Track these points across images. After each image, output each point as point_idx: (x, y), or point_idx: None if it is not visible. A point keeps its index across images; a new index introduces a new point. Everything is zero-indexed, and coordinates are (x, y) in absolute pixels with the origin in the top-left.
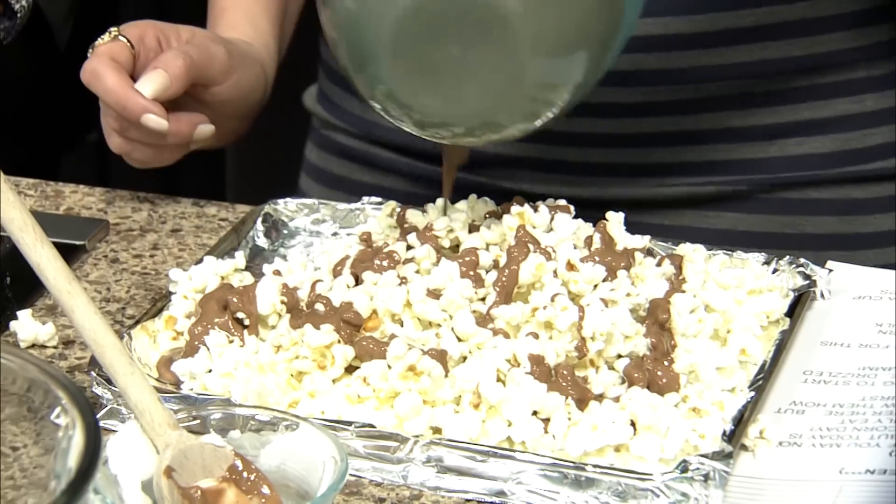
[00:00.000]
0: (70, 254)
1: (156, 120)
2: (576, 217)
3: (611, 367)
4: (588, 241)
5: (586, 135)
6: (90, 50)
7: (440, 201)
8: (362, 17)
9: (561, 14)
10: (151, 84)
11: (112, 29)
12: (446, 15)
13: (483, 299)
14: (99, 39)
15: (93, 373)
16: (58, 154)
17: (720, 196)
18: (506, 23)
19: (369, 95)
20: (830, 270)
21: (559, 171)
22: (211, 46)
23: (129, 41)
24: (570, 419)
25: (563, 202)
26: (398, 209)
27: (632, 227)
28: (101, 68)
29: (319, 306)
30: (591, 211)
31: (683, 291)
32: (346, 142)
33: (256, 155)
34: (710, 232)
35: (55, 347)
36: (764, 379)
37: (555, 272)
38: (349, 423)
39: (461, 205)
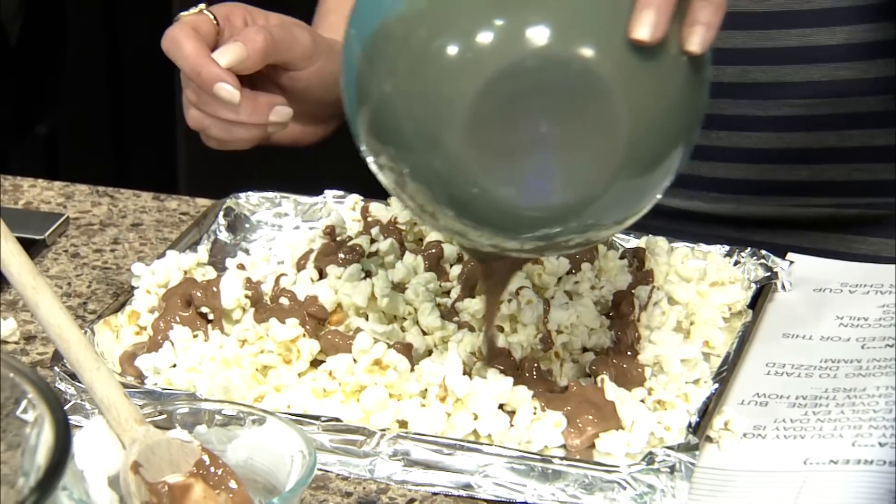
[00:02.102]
0: (29, 248)
1: (228, 90)
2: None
3: (575, 360)
4: None
5: (725, 149)
6: (175, 19)
7: None
8: (415, 99)
9: (657, 82)
10: (228, 55)
11: (201, 4)
12: (534, 86)
13: (448, 292)
14: (185, 12)
15: (56, 368)
16: (6, 147)
17: (864, 219)
18: (602, 89)
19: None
20: (791, 262)
21: (696, 187)
22: (295, 30)
23: (214, 17)
24: (535, 414)
25: None
26: (361, 202)
27: (771, 248)
28: (182, 36)
29: (284, 300)
30: (729, 229)
31: (647, 284)
32: None
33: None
34: (851, 257)
35: (16, 343)
36: (728, 371)
37: None
38: (315, 418)
39: None
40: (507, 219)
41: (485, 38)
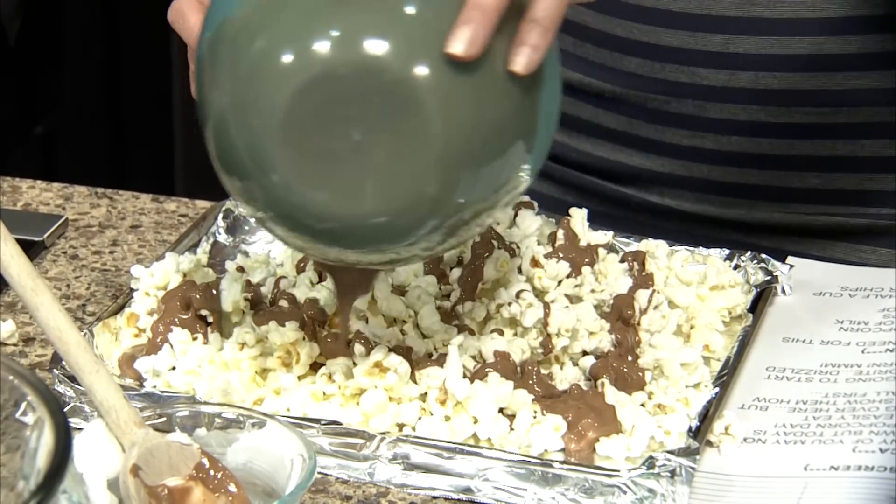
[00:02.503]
0: (28, 250)
1: None
2: (538, 214)
3: (575, 364)
4: (552, 238)
5: (736, 154)
6: None
7: None
8: (245, 105)
9: (475, 99)
10: None
11: None
12: (347, 93)
13: (448, 296)
14: None
15: (55, 370)
16: (5, 148)
17: (873, 229)
18: (415, 102)
19: (251, 203)
20: (791, 266)
21: (706, 191)
22: None
23: None
24: (535, 417)
25: (525, 198)
26: None
27: (778, 255)
28: (186, 8)
29: (283, 303)
30: (737, 234)
31: (647, 287)
32: None
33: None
34: (860, 266)
35: (15, 345)
36: (728, 375)
37: (519, 269)
38: (315, 421)
39: None
40: (328, 228)
41: (300, 44)
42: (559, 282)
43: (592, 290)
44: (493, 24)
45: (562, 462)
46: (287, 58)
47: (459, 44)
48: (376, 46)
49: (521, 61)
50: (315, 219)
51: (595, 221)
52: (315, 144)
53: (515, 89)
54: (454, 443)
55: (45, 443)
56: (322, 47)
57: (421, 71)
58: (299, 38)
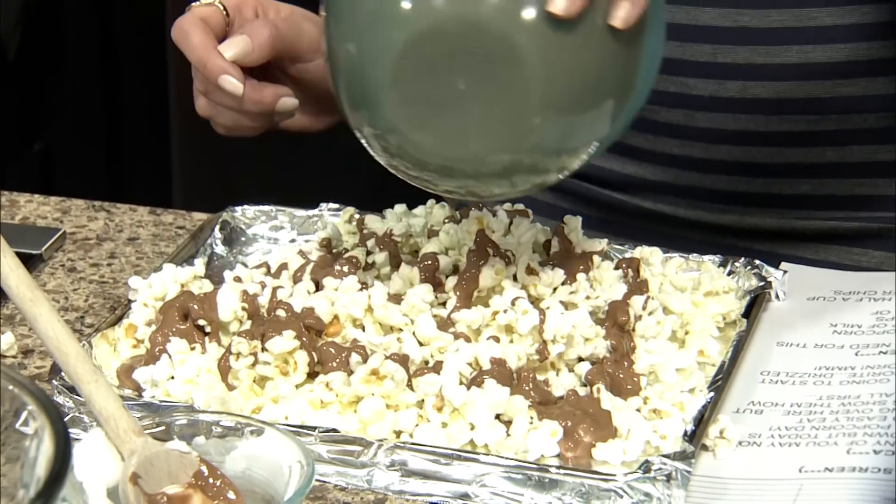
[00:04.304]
0: (26, 263)
1: (232, 82)
2: (533, 222)
3: (571, 370)
4: (547, 246)
5: (727, 162)
6: (187, 9)
7: (399, 207)
8: (363, 53)
9: (573, 54)
10: (234, 48)
11: None
12: (453, 47)
13: (444, 304)
14: (196, 2)
15: (54, 381)
16: (2, 163)
17: (865, 233)
18: (517, 56)
19: (367, 132)
20: (785, 272)
21: (698, 197)
22: (303, 23)
23: (225, 8)
24: (531, 423)
25: (520, 206)
26: (356, 215)
27: (771, 259)
28: (190, 26)
29: (281, 312)
30: (731, 238)
31: (642, 294)
32: None
33: (205, 162)
34: (852, 270)
35: (14, 357)
36: (723, 379)
37: (515, 276)
38: (313, 429)
39: (419, 210)
40: (433, 164)
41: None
42: (554, 289)
43: (587, 297)
44: None
45: (558, 467)
46: (400, 10)
47: (560, 2)
48: (482, 3)
49: (621, 15)
50: (421, 156)
51: (590, 227)
52: (423, 92)
53: (615, 43)
54: (451, 449)
55: (44, 451)
56: (432, 2)
57: (523, 27)
58: None
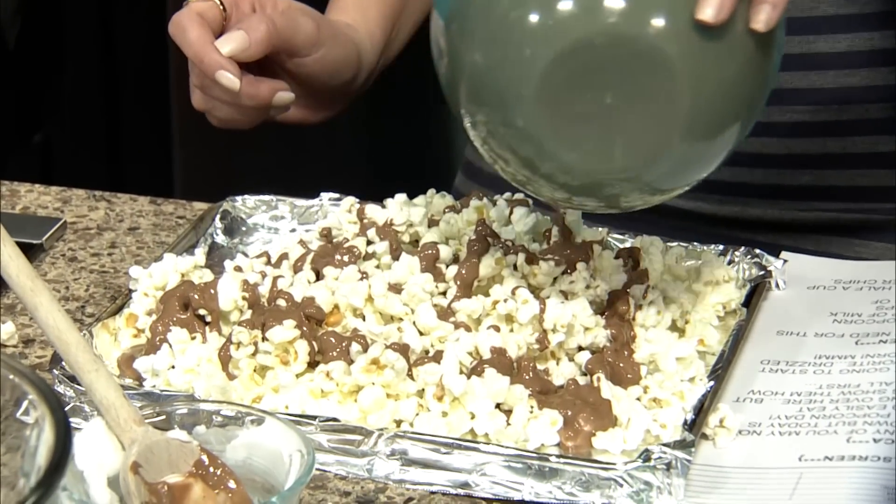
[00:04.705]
0: (27, 253)
1: (229, 78)
2: (532, 211)
3: (571, 359)
4: (547, 235)
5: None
6: (184, 4)
7: (399, 196)
8: (496, 65)
9: (719, 60)
10: (230, 43)
11: None
12: (601, 61)
13: (444, 293)
14: None
15: (55, 371)
16: (5, 154)
17: (867, 224)
18: (666, 67)
19: (491, 141)
20: (785, 261)
21: (701, 189)
22: (300, 17)
23: (222, 3)
24: (531, 412)
25: (520, 195)
26: (357, 205)
27: (773, 250)
28: (187, 22)
29: (281, 302)
30: (732, 230)
31: (642, 283)
32: None
33: (205, 151)
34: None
35: (15, 346)
36: (722, 368)
37: (514, 265)
38: (313, 418)
39: (419, 200)
40: (573, 179)
41: (556, 13)
42: (554, 278)
43: (587, 287)
44: None
45: (558, 456)
46: (543, 26)
47: (709, 9)
48: (628, 15)
49: (763, 18)
50: (564, 174)
51: (593, 219)
52: (567, 106)
53: (754, 47)
54: (452, 438)
55: (45, 440)
56: (575, 16)
57: (670, 37)
58: (553, 6)
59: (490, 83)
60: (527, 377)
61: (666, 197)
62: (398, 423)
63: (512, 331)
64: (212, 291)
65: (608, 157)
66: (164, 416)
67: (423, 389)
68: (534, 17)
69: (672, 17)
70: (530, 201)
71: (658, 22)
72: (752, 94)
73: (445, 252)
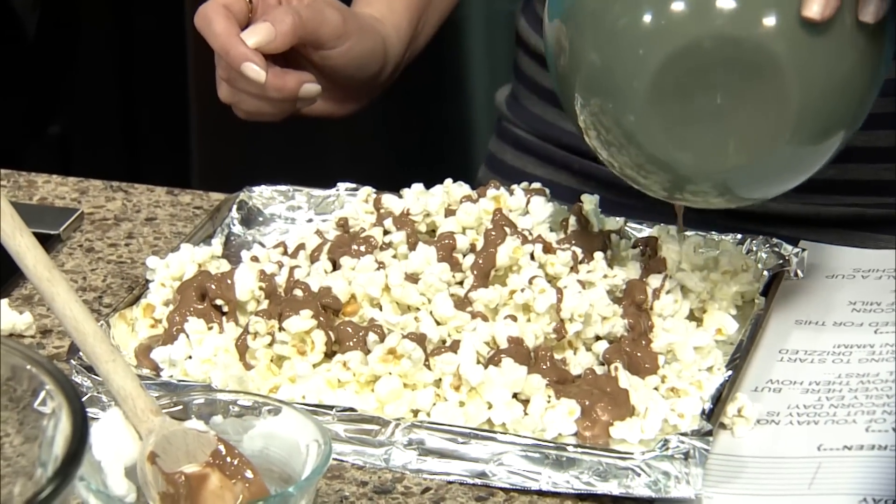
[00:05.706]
0: (44, 244)
1: (255, 70)
2: (549, 201)
3: (588, 349)
4: (564, 224)
5: None
6: None
7: (416, 186)
8: (612, 65)
9: (829, 57)
10: (256, 35)
11: None
12: (710, 62)
13: (461, 283)
14: None
15: (72, 361)
16: (21, 145)
17: (890, 219)
18: (775, 66)
19: (605, 136)
20: (803, 250)
21: None
22: (326, 10)
23: None
24: (549, 402)
25: (537, 185)
26: (373, 194)
27: (795, 244)
28: (213, 14)
29: (298, 292)
30: (754, 224)
31: (659, 272)
32: (522, 136)
33: (222, 142)
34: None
35: (33, 337)
36: (741, 358)
37: (532, 255)
38: (330, 408)
39: (437, 189)
40: (683, 178)
41: (664, 17)
42: (571, 267)
43: (605, 276)
44: None
45: (576, 446)
46: (652, 29)
47: (815, 6)
48: (735, 17)
49: (871, 10)
50: (676, 173)
51: (612, 211)
52: (678, 108)
53: (864, 39)
54: (469, 428)
55: (62, 430)
56: (684, 19)
57: (778, 37)
58: (663, 10)
59: (603, 85)
60: (544, 367)
61: (780, 190)
62: (415, 412)
63: (529, 320)
64: (229, 282)
65: (721, 155)
66: (181, 406)
67: (441, 379)
68: (647, 18)
69: (779, 16)
70: (547, 191)
71: (766, 22)
72: (864, 87)
73: (462, 241)
